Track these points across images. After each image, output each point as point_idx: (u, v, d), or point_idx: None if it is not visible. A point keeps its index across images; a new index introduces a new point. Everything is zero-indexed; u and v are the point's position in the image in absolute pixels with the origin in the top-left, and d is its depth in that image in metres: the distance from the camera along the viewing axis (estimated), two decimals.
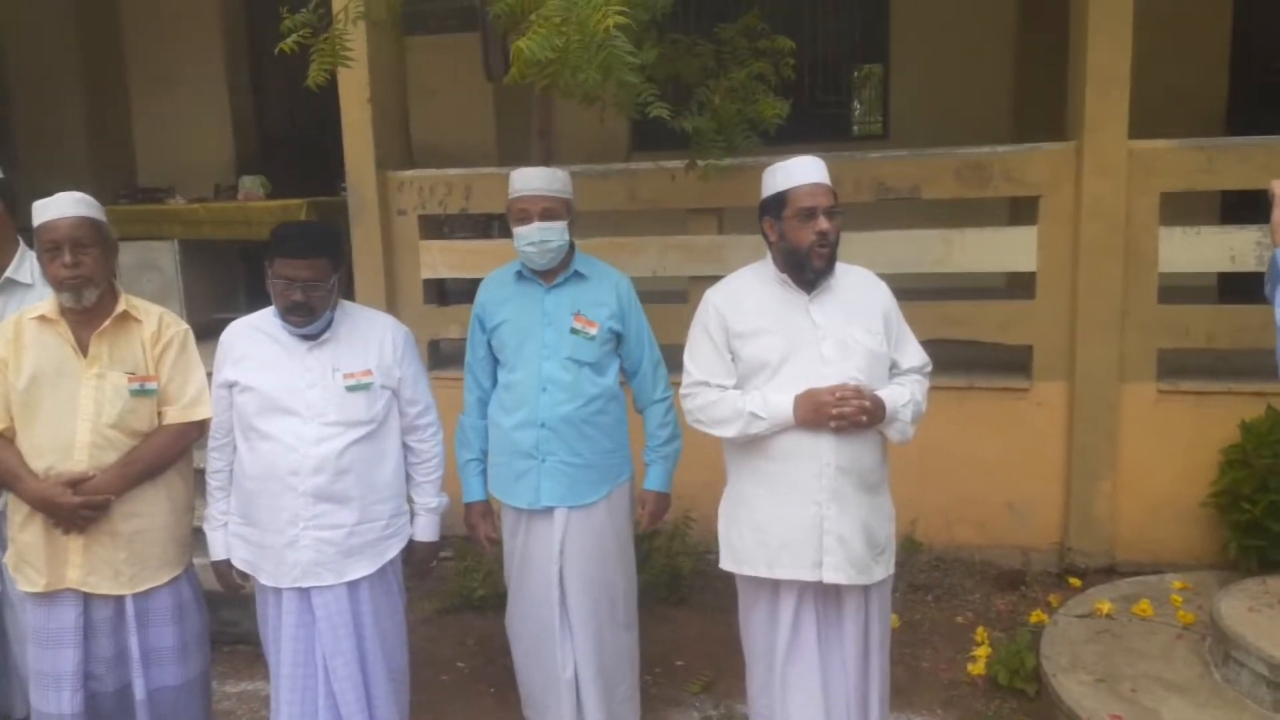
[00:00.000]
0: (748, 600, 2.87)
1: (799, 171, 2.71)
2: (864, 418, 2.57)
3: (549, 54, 2.60)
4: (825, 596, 2.74)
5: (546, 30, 2.62)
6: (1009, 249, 4.65)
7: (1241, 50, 6.46)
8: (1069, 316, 4.51)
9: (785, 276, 2.74)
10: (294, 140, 8.11)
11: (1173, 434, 4.43)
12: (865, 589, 2.74)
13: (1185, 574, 4.17)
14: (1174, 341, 4.46)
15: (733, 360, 2.75)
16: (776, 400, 2.64)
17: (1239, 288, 4.87)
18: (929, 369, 2.85)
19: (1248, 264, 4.34)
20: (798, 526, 2.67)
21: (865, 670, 2.82)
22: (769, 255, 2.80)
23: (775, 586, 2.75)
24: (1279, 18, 6.45)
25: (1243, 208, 5.25)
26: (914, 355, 2.81)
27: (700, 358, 2.79)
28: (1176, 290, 4.55)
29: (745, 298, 2.78)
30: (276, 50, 3.43)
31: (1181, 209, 4.50)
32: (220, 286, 6.18)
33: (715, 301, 2.81)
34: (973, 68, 6.63)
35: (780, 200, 2.70)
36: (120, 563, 2.76)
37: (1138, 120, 4.35)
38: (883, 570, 2.77)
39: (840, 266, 2.78)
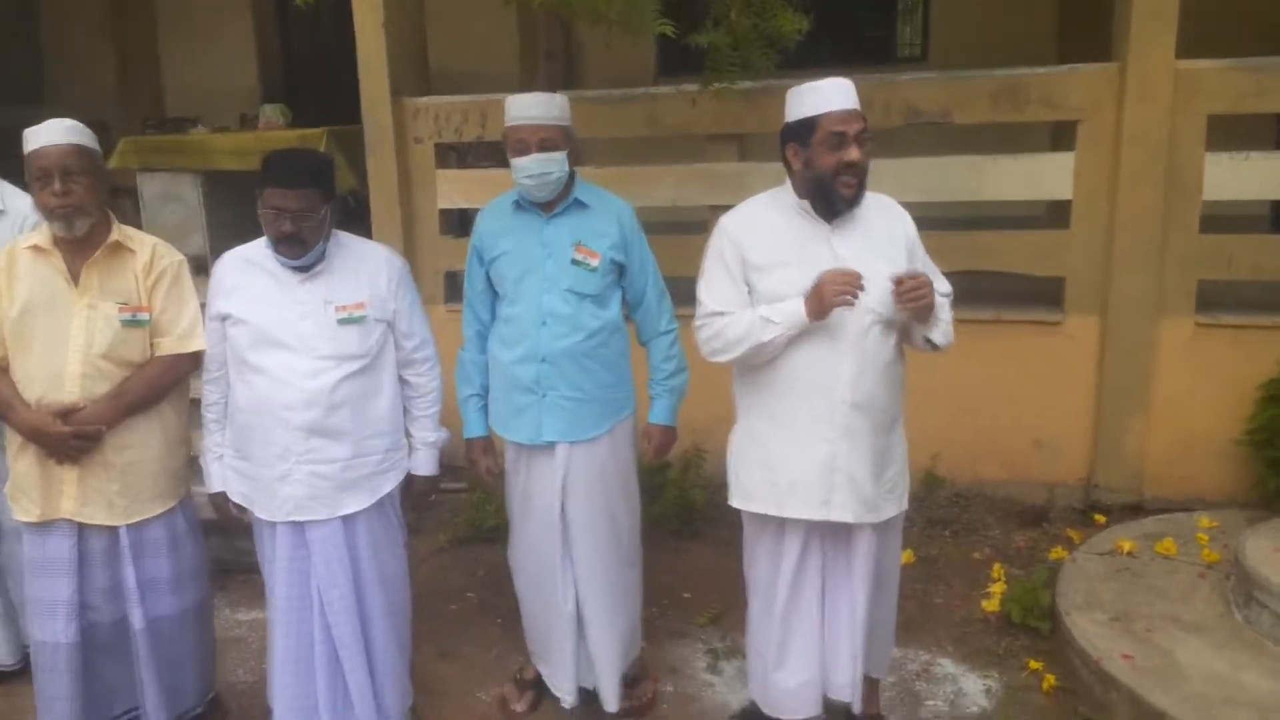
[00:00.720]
0: (753, 536, 2.83)
1: (831, 95, 2.55)
2: (930, 299, 2.47)
3: None
4: (835, 536, 2.69)
5: None
6: (1044, 177, 4.46)
7: None
8: (1105, 247, 4.33)
9: (806, 205, 2.61)
10: (319, 67, 8.03)
11: (1209, 369, 4.28)
12: (875, 527, 2.68)
13: (1214, 512, 4.06)
14: (1216, 273, 4.27)
15: (749, 293, 2.65)
16: (786, 304, 2.52)
17: None
18: (952, 298, 2.72)
19: None
20: (808, 464, 2.60)
21: (876, 607, 2.78)
22: (788, 182, 2.67)
23: (781, 524, 2.71)
24: None
25: None
26: (940, 282, 2.67)
27: (715, 289, 2.67)
28: (1225, 220, 4.35)
29: (762, 227, 2.66)
30: None
31: (1231, 134, 4.26)
32: (245, 218, 6.10)
33: (730, 230, 2.68)
34: None
35: (809, 125, 2.55)
36: (114, 494, 2.77)
37: (1186, 41, 4.10)
38: (893, 507, 2.70)
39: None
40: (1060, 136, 5.25)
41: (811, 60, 4.10)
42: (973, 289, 3.95)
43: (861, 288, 2.44)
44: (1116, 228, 4.28)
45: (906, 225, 2.69)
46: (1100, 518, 4.27)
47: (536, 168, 2.88)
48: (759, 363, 2.63)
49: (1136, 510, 4.33)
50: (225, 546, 3.86)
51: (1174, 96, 4.14)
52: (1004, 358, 4.51)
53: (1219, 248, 4.25)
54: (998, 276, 4.51)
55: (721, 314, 2.64)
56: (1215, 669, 2.99)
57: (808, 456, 2.60)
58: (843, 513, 2.60)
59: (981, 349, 4.40)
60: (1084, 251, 4.39)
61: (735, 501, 2.80)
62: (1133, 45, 4.14)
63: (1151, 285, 4.28)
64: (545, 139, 2.89)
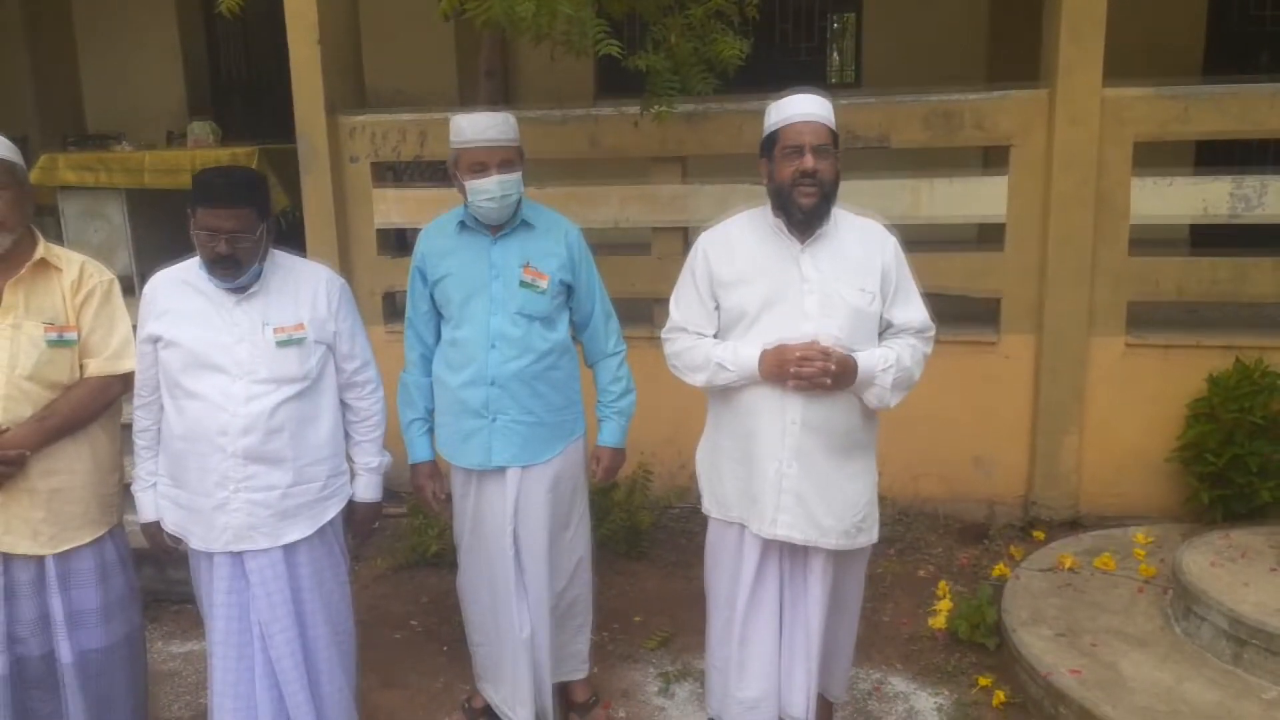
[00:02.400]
0: (716, 545, 2.80)
1: (790, 106, 2.58)
2: (827, 380, 2.44)
3: None
4: (793, 554, 2.67)
5: None
6: (979, 199, 4.55)
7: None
8: (1038, 268, 4.43)
9: (780, 223, 2.60)
10: (249, 84, 7.86)
11: (1140, 387, 4.39)
12: (837, 553, 2.66)
13: (1149, 527, 4.15)
14: (1144, 293, 4.39)
15: (716, 309, 2.66)
16: (745, 352, 2.55)
17: (1211, 238, 4.82)
18: (931, 333, 2.66)
19: (1220, 214, 4.27)
20: (759, 481, 2.60)
21: (833, 632, 2.77)
22: (769, 201, 2.66)
23: (742, 536, 2.69)
24: None
25: (1217, 157, 5.18)
26: (912, 314, 2.63)
27: (682, 302, 2.71)
28: (1148, 242, 4.47)
29: (736, 244, 2.67)
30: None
31: (1154, 158, 4.41)
32: (173, 237, 5.92)
33: (705, 246, 2.69)
34: (946, 13, 6.50)
35: (772, 138, 2.58)
36: (38, 522, 2.63)
37: (1112, 68, 4.23)
38: (864, 538, 2.68)
39: (845, 215, 2.65)
40: (992, 159, 5.38)
41: (749, 84, 4.13)
42: None
43: (829, 375, 2.44)
44: (1049, 248, 4.38)
45: (886, 253, 2.62)
46: (1040, 534, 4.34)
47: (499, 189, 2.83)
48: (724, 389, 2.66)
49: (1074, 526, 4.41)
50: (158, 576, 3.71)
51: (1102, 122, 4.25)
52: (943, 376, 4.52)
53: (1147, 269, 4.37)
54: (936, 297, 4.56)
55: (685, 330, 2.68)
56: (1159, 681, 3.05)
57: (759, 473, 2.60)
58: (790, 531, 2.59)
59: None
60: (1018, 272, 4.48)
61: (707, 508, 2.80)
62: (1061, 71, 4.25)
63: (1083, 305, 4.38)
64: (505, 159, 2.85)
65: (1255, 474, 3.98)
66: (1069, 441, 4.46)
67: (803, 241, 2.59)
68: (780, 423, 2.55)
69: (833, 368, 2.44)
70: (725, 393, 2.65)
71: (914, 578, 4.14)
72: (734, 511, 2.71)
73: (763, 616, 2.70)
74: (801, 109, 2.56)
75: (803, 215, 2.54)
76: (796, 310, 2.54)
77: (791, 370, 2.45)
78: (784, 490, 2.57)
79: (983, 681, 3.35)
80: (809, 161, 2.49)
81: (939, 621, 3.71)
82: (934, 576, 4.09)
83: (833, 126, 2.57)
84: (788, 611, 2.71)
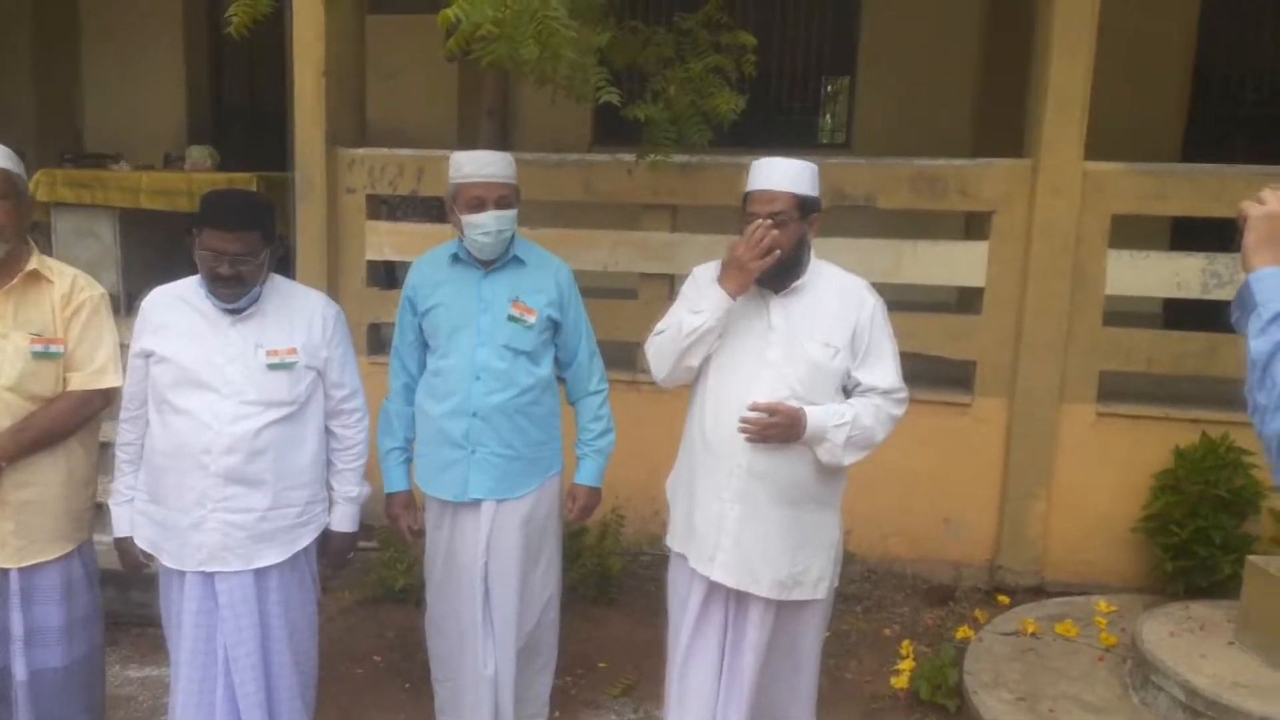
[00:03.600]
0: (672, 579, 2.85)
1: (756, 175, 2.68)
2: (771, 431, 2.51)
3: (490, 26, 2.53)
4: (737, 599, 2.69)
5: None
6: (959, 264, 4.64)
7: (1202, 83, 6.55)
8: (1014, 334, 4.51)
9: None
10: (252, 112, 7.94)
11: (1108, 456, 4.45)
12: (781, 604, 2.68)
13: (1112, 596, 4.19)
14: (1116, 364, 4.47)
15: None
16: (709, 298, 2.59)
17: (1183, 314, 4.92)
18: (901, 395, 2.67)
19: (1193, 291, 4.37)
20: (703, 518, 2.66)
21: (781, 686, 2.79)
22: None
23: (692, 573, 2.73)
24: (1240, 51, 6.55)
25: (1191, 235, 5.31)
26: (881, 377, 2.64)
27: (671, 314, 2.75)
28: (1122, 314, 4.57)
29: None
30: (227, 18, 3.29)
31: (1131, 233, 4.52)
32: (162, 258, 5.99)
33: (698, 276, 2.77)
34: (937, 84, 6.66)
35: (745, 199, 2.69)
36: (6, 534, 2.63)
37: (1096, 144, 4.36)
38: (804, 592, 2.68)
39: (829, 271, 2.72)
40: (973, 225, 5.49)
41: (742, 139, 4.23)
42: None
43: (774, 241, 2.49)
44: (1025, 316, 4.46)
45: (863, 311, 2.65)
46: (1004, 598, 4.37)
47: (495, 225, 2.89)
48: (692, 364, 2.67)
49: (1038, 592, 4.44)
50: (119, 598, 3.69)
51: (1082, 194, 4.37)
52: (916, 436, 4.58)
53: (1120, 340, 4.46)
54: (914, 357, 4.64)
55: (664, 332, 2.74)
56: None
57: (704, 511, 2.66)
58: (724, 574, 2.63)
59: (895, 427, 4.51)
60: (994, 337, 4.56)
61: (667, 538, 2.85)
62: (1044, 143, 4.37)
63: (1056, 373, 4.46)
64: (502, 196, 2.91)
65: (1218, 547, 4.04)
66: (1036, 507, 4.51)
67: (777, 292, 2.66)
68: (729, 465, 2.61)
69: (775, 420, 2.50)
70: (692, 419, 2.71)
71: (879, 636, 4.15)
72: (678, 544, 2.77)
73: (703, 654, 2.73)
74: (764, 180, 2.64)
75: (760, 275, 2.59)
76: (758, 358, 2.61)
77: (740, 420, 2.51)
78: (724, 531, 2.62)
79: None
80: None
81: (901, 681, 3.71)
82: (899, 636, 4.10)
83: (801, 192, 2.62)
84: (729, 655, 2.73)
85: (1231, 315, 1.77)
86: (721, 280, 2.59)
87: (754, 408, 2.52)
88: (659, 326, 2.77)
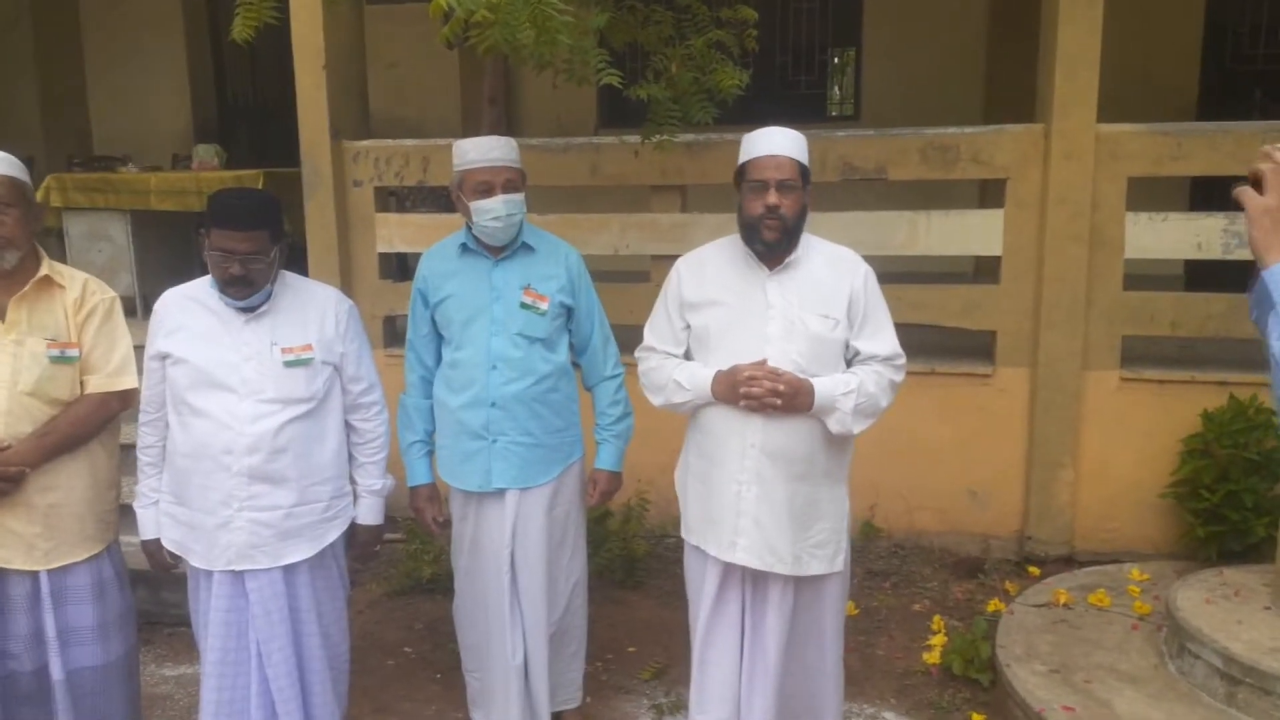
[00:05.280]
0: (689, 569, 2.84)
1: (759, 142, 2.64)
2: (776, 400, 2.48)
3: (484, 13, 2.48)
4: (756, 581, 2.68)
5: None
6: (975, 233, 4.58)
7: (1213, 38, 6.44)
8: (1033, 302, 4.45)
9: (750, 250, 2.66)
10: (257, 109, 7.93)
11: (1134, 422, 4.40)
12: (799, 580, 2.66)
13: (1143, 564, 4.15)
14: (1138, 329, 4.41)
15: (686, 329, 2.72)
16: (700, 373, 2.61)
17: (1205, 275, 4.85)
18: (900, 361, 2.68)
19: (1214, 251, 4.30)
20: (719, 503, 2.64)
21: (808, 664, 2.77)
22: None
23: (706, 560, 2.71)
24: (1251, 6, 6.43)
25: (1211, 195, 5.23)
26: (881, 344, 2.65)
27: (654, 322, 2.80)
28: (1142, 278, 4.50)
29: (708, 268, 2.73)
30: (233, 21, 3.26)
31: (1149, 195, 4.45)
32: (175, 258, 6.02)
33: (680, 268, 2.78)
34: (944, 51, 6.58)
35: (741, 171, 2.66)
36: (35, 537, 2.63)
37: (1108, 106, 4.28)
38: (821, 565, 2.66)
39: (818, 244, 2.70)
40: (987, 194, 5.43)
41: (749, 115, 4.17)
42: (908, 341, 4.00)
43: (778, 395, 2.48)
44: (1044, 283, 4.41)
45: (855, 280, 2.65)
46: (1034, 569, 4.34)
47: (504, 209, 2.87)
48: (682, 413, 2.72)
49: (1068, 562, 4.41)
50: (151, 598, 3.70)
51: (1096, 158, 4.29)
52: (939, 409, 4.59)
53: (1141, 304, 4.40)
54: (934, 329, 4.60)
55: (654, 349, 2.75)
56: None
57: (718, 495, 2.64)
58: (747, 557, 2.60)
59: (916, 400, 4.45)
60: (1013, 306, 4.50)
61: (681, 530, 2.83)
62: (1056, 107, 4.29)
63: (1078, 340, 4.40)
64: (509, 180, 2.89)
65: (1250, 510, 3.98)
66: (1064, 476, 4.47)
67: (771, 268, 2.64)
68: (740, 445, 2.59)
69: (781, 388, 2.48)
70: (695, 413, 2.70)
71: (908, 612, 4.13)
72: (693, 536, 2.74)
73: (723, 640, 2.71)
74: (769, 145, 2.61)
75: (764, 247, 2.61)
76: (758, 334, 2.59)
77: (741, 390, 2.49)
78: (742, 513, 2.60)
79: (976, 718, 3.32)
80: (772, 198, 2.56)
81: (933, 657, 3.69)
82: (928, 611, 4.08)
83: (803, 161, 2.62)
84: (749, 637, 2.71)
85: (1251, 315, 1.72)
86: (715, 387, 2.57)
87: (755, 372, 2.49)
88: (647, 337, 2.78)
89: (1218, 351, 4.49)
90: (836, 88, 7.90)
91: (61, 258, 5.42)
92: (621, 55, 3.64)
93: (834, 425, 2.58)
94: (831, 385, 2.55)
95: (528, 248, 3.00)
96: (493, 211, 2.87)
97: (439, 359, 3.07)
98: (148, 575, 2.89)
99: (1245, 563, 3.84)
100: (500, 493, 2.96)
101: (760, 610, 2.69)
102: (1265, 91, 6.49)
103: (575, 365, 3.17)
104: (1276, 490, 4.08)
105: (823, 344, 2.60)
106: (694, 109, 3.81)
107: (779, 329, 2.59)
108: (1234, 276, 4.44)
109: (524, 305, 2.94)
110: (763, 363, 2.52)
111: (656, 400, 2.72)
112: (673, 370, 2.66)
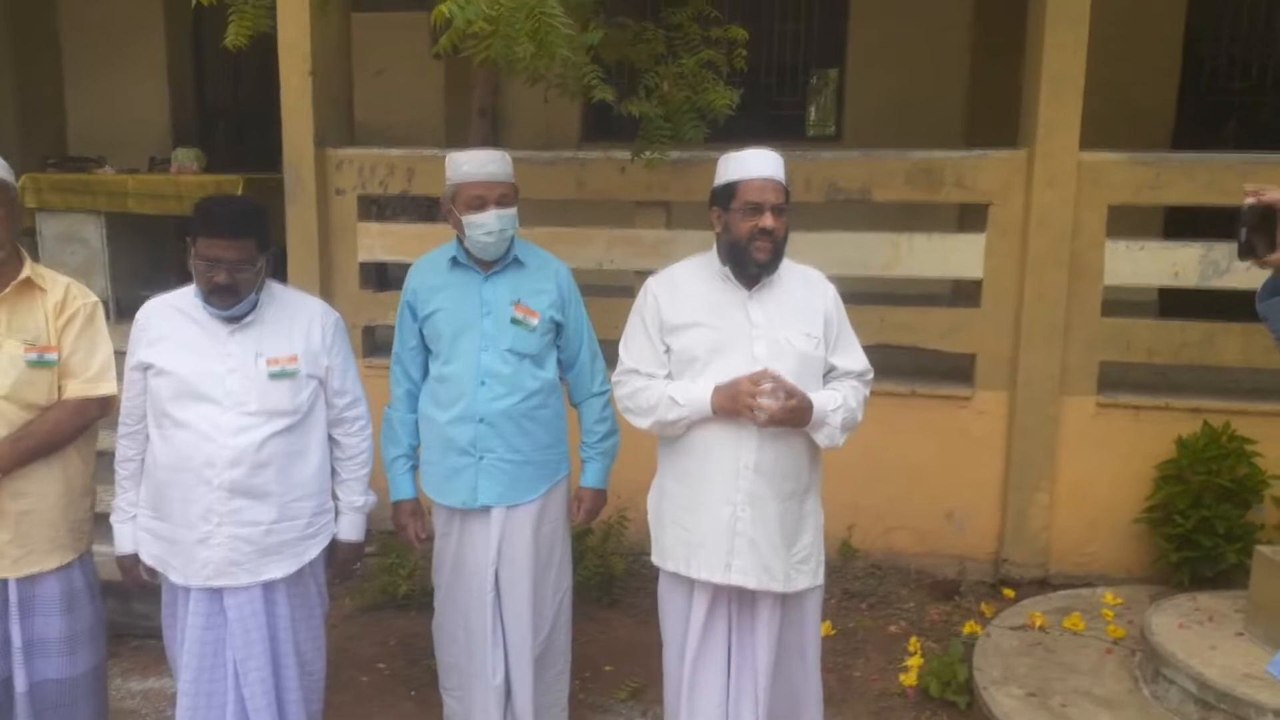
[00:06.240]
0: (666, 593, 2.81)
1: (751, 164, 2.64)
2: (792, 401, 2.47)
3: (482, 24, 2.48)
4: (742, 600, 2.68)
5: None
6: (957, 256, 4.61)
7: (1191, 67, 6.55)
8: (1013, 326, 4.49)
9: (728, 270, 2.66)
10: (237, 113, 7.86)
11: (1110, 447, 4.44)
12: (786, 597, 2.67)
13: (1117, 588, 4.19)
14: (1116, 355, 4.46)
15: (666, 352, 2.69)
16: (697, 389, 2.59)
17: (1178, 303, 4.92)
18: (870, 376, 2.77)
19: (1191, 280, 4.36)
20: (711, 526, 2.62)
21: (792, 679, 2.77)
22: (714, 248, 2.72)
23: (691, 584, 2.70)
24: (1229, 38, 6.56)
25: (1184, 224, 5.31)
26: (854, 360, 2.73)
27: (633, 345, 2.75)
28: (1118, 303, 4.56)
29: (684, 289, 2.72)
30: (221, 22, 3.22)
31: (1126, 223, 4.51)
32: (150, 263, 5.93)
33: (654, 290, 2.75)
34: (927, 73, 6.64)
35: (729, 191, 2.64)
36: (4, 544, 2.58)
37: (1088, 133, 4.34)
38: (806, 580, 2.69)
39: (787, 264, 2.71)
40: (966, 217, 5.47)
41: (733, 134, 4.19)
42: (888, 362, 4.04)
43: (789, 396, 2.48)
44: (1024, 308, 4.44)
45: (826, 299, 2.72)
46: (1009, 592, 4.37)
47: (498, 224, 2.85)
48: (671, 434, 2.68)
49: (1043, 585, 4.44)
50: (120, 609, 3.63)
51: (1078, 185, 4.35)
52: (918, 430, 4.61)
53: (1119, 331, 4.44)
54: (914, 350, 4.63)
55: (637, 371, 2.70)
56: None
57: (711, 517, 2.62)
58: (743, 577, 2.60)
59: (896, 421, 4.50)
60: (993, 329, 4.54)
61: (655, 558, 2.80)
62: (1040, 133, 4.34)
63: (1056, 364, 4.44)
64: (503, 195, 2.88)
65: (1222, 536, 4.04)
66: (1040, 499, 4.50)
67: (750, 289, 2.65)
68: (734, 466, 2.58)
69: (793, 402, 2.48)
70: (676, 433, 2.67)
71: (885, 633, 4.13)
72: (670, 563, 2.72)
73: (711, 663, 2.70)
74: (763, 169, 2.63)
75: (757, 269, 2.61)
76: (746, 355, 2.59)
77: (753, 399, 2.47)
78: (738, 534, 2.59)
79: None
80: (769, 220, 2.57)
81: (910, 678, 3.70)
82: (905, 632, 4.09)
83: (786, 184, 2.65)
84: (735, 657, 2.71)
85: (1259, 308, 1.75)
86: (715, 399, 2.55)
87: (758, 377, 2.48)
88: (626, 361, 2.73)
89: (1193, 379, 4.56)
90: (814, 108, 7.95)
91: (34, 259, 5.33)
92: (610, 70, 3.63)
93: (823, 440, 2.62)
94: (823, 400, 2.59)
95: (518, 262, 2.99)
96: (486, 226, 2.85)
97: (425, 373, 3.04)
98: (118, 586, 2.82)
99: (1216, 588, 3.89)
100: (486, 510, 2.93)
101: (748, 629, 2.68)
102: (1238, 120, 6.62)
103: (562, 380, 3.15)
104: (1248, 517, 4.13)
105: (808, 362, 2.62)
106: (685, 127, 3.83)
107: (765, 349, 2.59)
108: (1208, 305, 4.53)
109: (514, 320, 2.92)
110: (765, 372, 2.51)
111: (644, 422, 2.68)
112: (664, 388, 2.63)
